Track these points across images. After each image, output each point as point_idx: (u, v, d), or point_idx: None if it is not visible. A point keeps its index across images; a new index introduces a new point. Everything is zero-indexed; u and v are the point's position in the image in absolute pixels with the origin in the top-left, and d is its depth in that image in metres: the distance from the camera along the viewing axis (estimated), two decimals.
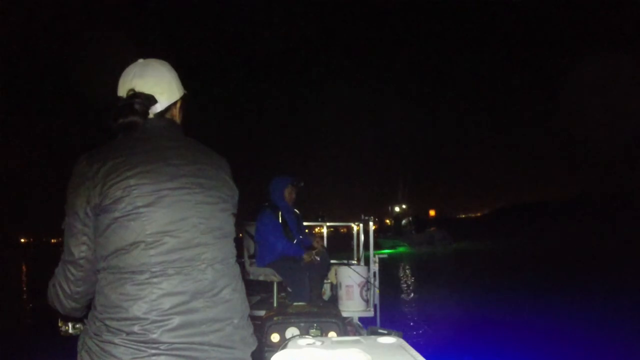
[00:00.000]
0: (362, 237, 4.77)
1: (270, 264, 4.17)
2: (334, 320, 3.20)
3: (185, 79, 1.48)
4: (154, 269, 1.19)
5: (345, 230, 5.93)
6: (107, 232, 1.20)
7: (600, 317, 8.46)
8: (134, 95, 1.34)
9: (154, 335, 1.15)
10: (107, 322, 1.17)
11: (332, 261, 4.73)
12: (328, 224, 5.28)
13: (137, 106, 1.33)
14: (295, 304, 3.75)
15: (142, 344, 1.14)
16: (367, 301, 4.15)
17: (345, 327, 3.31)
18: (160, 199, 1.22)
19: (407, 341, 1.51)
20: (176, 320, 1.17)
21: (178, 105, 1.44)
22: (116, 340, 1.14)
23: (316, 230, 5.63)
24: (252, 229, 4.55)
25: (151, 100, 1.36)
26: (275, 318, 3.19)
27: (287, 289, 4.31)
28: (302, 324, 3.14)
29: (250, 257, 4.56)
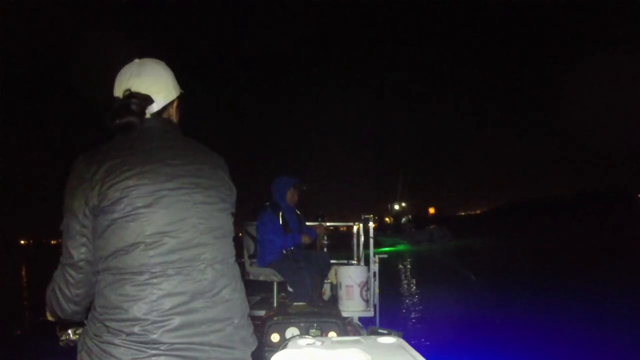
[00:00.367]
0: (362, 237, 4.78)
1: (271, 264, 4.17)
2: (334, 320, 3.21)
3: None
4: (153, 270, 1.19)
5: (345, 229, 5.93)
6: (106, 234, 1.20)
7: (600, 317, 8.46)
8: (131, 95, 1.34)
9: (154, 336, 1.15)
10: (107, 323, 1.16)
11: (332, 261, 4.73)
12: (328, 223, 5.28)
13: (133, 106, 1.32)
14: (295, 304, 3.76)
15: (142, 345, 1.14)
16: (367, 301, 4.15)
17: (345, 327, 3.31)
18: (159, 200, 1.22)
19: (407, 341, 1.51)
20: (176, 321, 1.17)
21: (175, 104, 1.43)
22: (116, 341, 1.14)
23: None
24: (252, 229, 4.55)
25: (148, 100, 1.35)
26: (275, 318, 3.20)
27: (287, 289, 4.32)
28: (302, 324, 3.14)
29: (251, 257, 4.56)
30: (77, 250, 1.22)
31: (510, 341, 6.99)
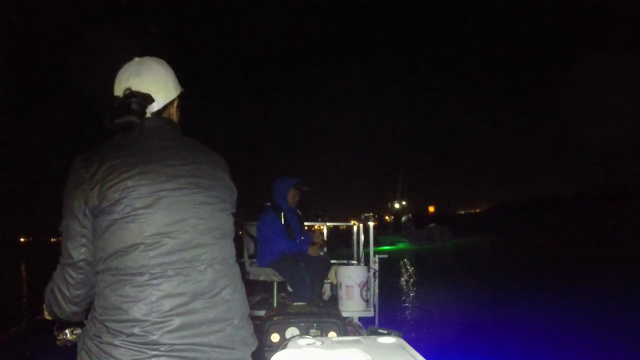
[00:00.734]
0: (362, 237, 4.77)
1: (271, 264, 4.17)
2: (334, 320, 3.21)
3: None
4: (153, 271, 1.18)
5: (344, 227, 5.93)
6: (106, 234, 1.19)
7: (601, 317, 8.45)
8: (131, 94, 1.33)
9: (154, 337, 1.14)
10: (107, 324, 1.16)
11: (332, 261, 4.73)
12: (328, 223, 5.28)
13: (133, 106, 1.31)
14: (295, 304, 3.76)
15: (142, 346, 1.14)
16: (367, 301, 4.15)
17: (345, 327, 3.31)
18: (158, 200, 1.21)
19: (407, 341, 1.51)
20: (176, 322, 1.17)
21: (175, 103, 1.42)
22: (116, 342, 1.14)
23: (316, 227, 5.63)
24: (252, 229, 4.55)
25: (148, 99, 1.34)
26: (275, 318, 3.20)
27: (287, 289, 4.31)
28: (302, 324, 3.14)
29: (251, 257, 4.56)
30: (77, 250, 1.21)
31: (510, 341, 6.98)
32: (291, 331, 3.12)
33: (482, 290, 12.25)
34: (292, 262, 4.11)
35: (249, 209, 4.64)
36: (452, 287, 12.88)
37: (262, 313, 3.63)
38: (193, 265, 1.23)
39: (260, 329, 3.10)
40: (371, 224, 4.53)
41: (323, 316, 3.25)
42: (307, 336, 1.88)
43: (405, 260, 23.04)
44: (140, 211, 1.19)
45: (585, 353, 6.50)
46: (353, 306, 4.10)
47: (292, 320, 3.17)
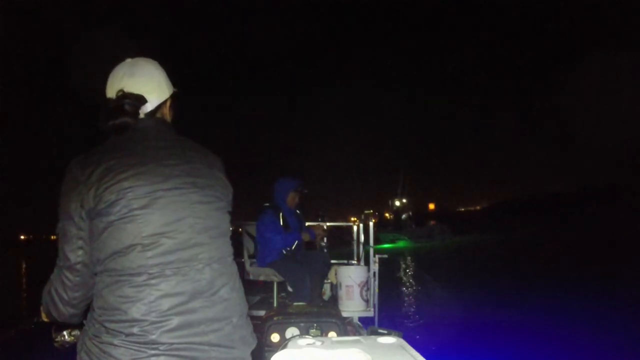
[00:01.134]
0: (362, 236, 4.78)
1: (271, 264, 4.17)
2: (334, 320, 3.20)
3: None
4: (151, 271, 1.18)
5: (345, 227, 5.93)
6: (103, 236, 1.19)
7: (601, 316, 8.43)
8: (124, 95, 1.33)
9: (153, 336, 1.15)
10: (106, 324, 1.16)
11: (332, 261, 4.73)
12: (328, 223, 5.28)
13: (127, 107, 1.32)
14: (295, 304, 3.75)
15: (141, 345, 1.14)
16: (367, 301, 4.15)
17: (345, 327, 3.31)
18: (155, 201, 1.22)
19: (407, 341, 1.51)
20: (175, 321, 1.17)
21: (168, 103, 1.43)
22: (115, 342, 1.14)
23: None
24: (252, 229, 4.55)
25: (141, 100, 1.35)
26: (275, 318, 3.19)
27: (287, 289, 4.31)
28: (302, 324, 3.14)
29: (251, 257, 4.56)
30: (74, 253, 1.21)
31: (511, 341, 6.98)
32: (291, 331, 3.11)
33: (483, 290, 12.24)
34: (292, 262, 4.12)
35: (248, 209, 4.65)
36: (452, 286, 12.88)
37: (262, 313, 3.63)
38: (191, 264, 1.23)
39: (260, 329, 3.10)
40: (371, 223, 4.53)
41: (323, 316, 3.25)
42: (307, 336, 1.88)
43: (405, 259, 23.04)
44: (137, 212, 1.19)
45: (586, 353, 6.49)
46: (353, 306, 4.10)
47: (292, 320, 3.17)
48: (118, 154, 1.25)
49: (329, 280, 4.68)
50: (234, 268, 1.37)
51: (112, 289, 1.18)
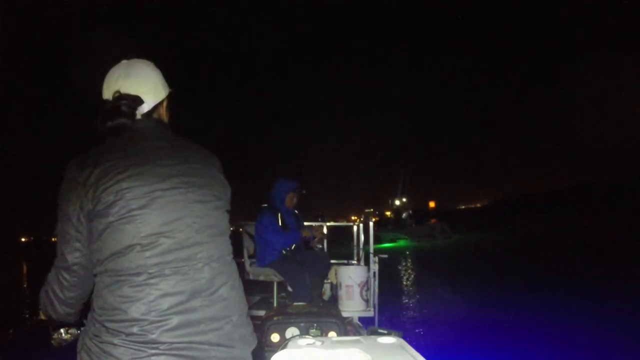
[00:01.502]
0: (362, 236, 4.77)
1: (271, 264, 4.17)
2: (334, 320, 3.20)
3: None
4: (150, 271, 1.19)
5: (345, 227, 5.93)
6: (102, 237, 1.20)
7: (601, 316, 8.43)
8: (120, 97, 1.34)
9: (153, 336, 1.15)
10: (106, 324, 1.17)
11: (332, 261, 4.73)
12: (328, 223, 5.28)
13: (124, 108, 1.32)
14: (295, 304, 3.75)
15: (141, 345, 1.14)
16: (367, 301, 4.15)
17: (345, 327, 3.31)
18: (153, 201, 1.22)
19: (407, 341, 1.51)
20: (175, 320, 1.17)
21: (164, 104, 1.44)
22: (115, 341, 1.15)
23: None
24: (252, 229, 4.55)
25: (137, 101, 1.35)
26: (275, 318, 3.19)
27: (287, 289, 4.31)
28: (302, 324, 3.14)
29: (250, 257, 4.56)
30: (72, 254, 1.22)
31: (511, 341, 6.98)
32: (291, 331, 3.11)
33: (483, 289, 12.25)
34: (292, 262, 4.11)
35: (248, 209, 4.64)
36: (452, 286, 12.88)
37: (262, 313, 3.63)
38: (190, 263, 1.23)
39: (260, 329, 3.10)
40: (371, 222, 4.53)
41: (323, 316, 3.25)
42: (307, 336, 1.88)
43: (405, 258, 23.04)
44: (135, 212, 1.19)
45: (586, 353, 6.49)
46: (353, 306, 4.10)
47: (292, 320, 3.17)
48: (116, 155, 1.25)
49: (329, 280, 4.68)
50: (234, 267, 1.37)
51: (112, 289, 1.19)
